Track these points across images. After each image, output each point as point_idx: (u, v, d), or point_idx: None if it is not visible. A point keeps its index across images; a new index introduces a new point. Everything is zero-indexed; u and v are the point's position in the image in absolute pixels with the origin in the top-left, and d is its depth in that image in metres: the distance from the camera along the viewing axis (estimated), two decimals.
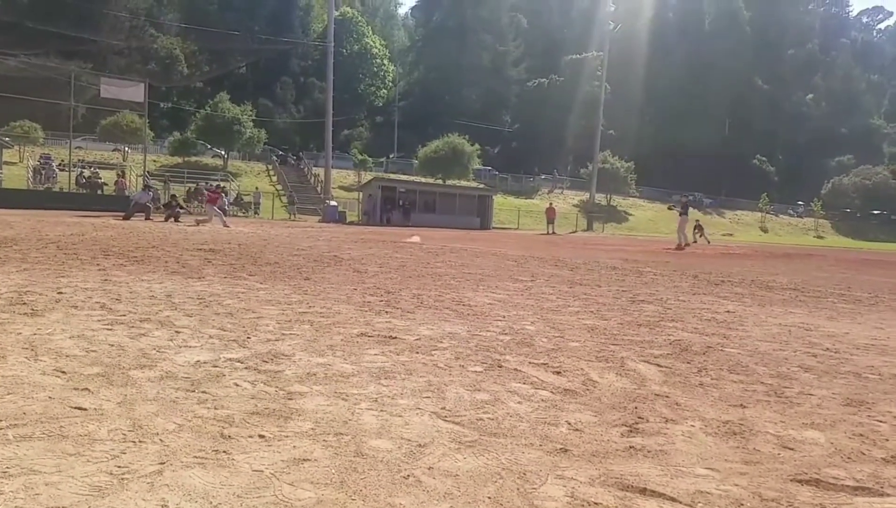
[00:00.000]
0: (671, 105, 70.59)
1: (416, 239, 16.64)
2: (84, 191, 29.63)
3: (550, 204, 37.66)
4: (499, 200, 46.13)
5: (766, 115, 75.26)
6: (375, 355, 2.98)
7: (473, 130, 57.07)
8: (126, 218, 18.61)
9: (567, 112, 63.37)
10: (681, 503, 1.58)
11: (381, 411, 2.15)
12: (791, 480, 1.73)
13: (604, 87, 51.22)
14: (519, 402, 2.34)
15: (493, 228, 38.36)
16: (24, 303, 3.80)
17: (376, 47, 75.92)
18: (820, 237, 56.21)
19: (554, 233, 32.99)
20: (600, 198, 53.93)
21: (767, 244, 30.06)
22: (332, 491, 1.52)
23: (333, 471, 1.63)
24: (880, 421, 2.29)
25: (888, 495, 1.66)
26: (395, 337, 3.40)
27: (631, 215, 56.01)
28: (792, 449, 1.97)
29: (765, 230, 57.87)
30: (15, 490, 1.43)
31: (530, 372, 2.79)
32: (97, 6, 56.71)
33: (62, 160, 32.12)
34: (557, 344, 3.44)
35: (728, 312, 5.05)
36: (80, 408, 2.00)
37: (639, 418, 2.23)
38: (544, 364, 2.95)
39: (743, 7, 76.72)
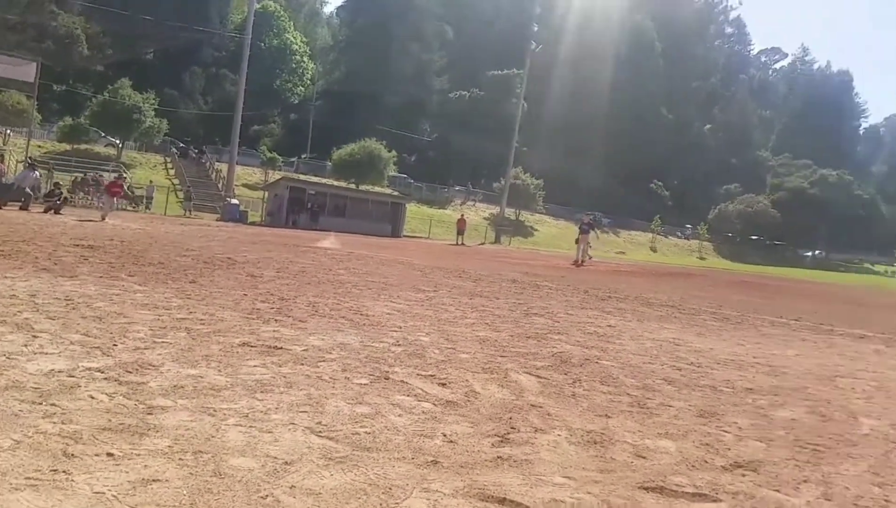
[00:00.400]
0: (582, 126, 74.20)
1: (328, 243, 16.32)
2: None
3: (462, 215, 38.20)
4: (412, 208, 46.22)
5: (668, 142, 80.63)
6: (255, 366, 2.87)
7: (391, 136, 56.88)
8: None
9: (485, 127, 64.78)
10: None
11: (250, 427, 2.06)
12: (639, 488, 1.84)
13: (521, 105, 52.90)
14: (399, 415, 2.33)
15: (405, 236, 38.37)
16: None
17: (297, 44, 74.04)
18: (702, 258, 60.86)
19: (463, 244, 33.47)
20: (510, 212, 55.48)
21: (654, 264, 32.17)
22: None
23: (185, 493, 1.54)
24: (726, 431, 2.50)
25: (721, 500, 1.80)
26: (281, 347, 3.29)
27: (537, 230, 58.02)
28: (644, 458, 2.10)
29: (654, 250, 61.70)
30: None
31: (416, 384, 2.79)
32: None
33: None
34: (448, 356, 3.48)
35: (609, 326, 5.34)
36: None
37: (511, 428, 2.30)
38: (431, 376, 2.97)
39: (656, 38, 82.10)
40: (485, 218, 53.92)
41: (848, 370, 4.24)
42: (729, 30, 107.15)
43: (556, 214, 64.05)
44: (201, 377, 2.60)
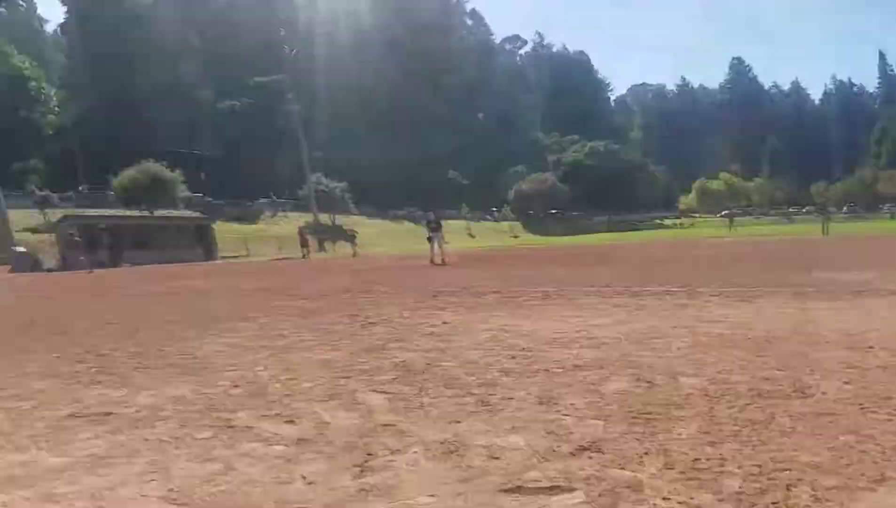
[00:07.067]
0: (372, 126, 76.18)
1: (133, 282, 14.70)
2: None
3: (300, 228, 37.27)
4: (221, 227, 43.46)
5: (449, 133, 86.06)
6: (89, 438, 2.63)
7: (171, 155, 52.58)
8: None
9: (267, 135, 63.07)
10: None
11: None
12: (499, 491, 1.93)
13: (296, 109, 52.35)
14: (251, 464, 2.27)
15: (223, 257, 35.99)
16: None
17: (28, 69, 65.28)
18: (516, 236, 66.11)
19: (307, 257, 32.21)
20: (325, 218, 54.90)
21: (473, 249, 33.79)
22: None
23: None
24: (566, 415, 2.67)
25: (576, 489, 1.91)
26: (111, 412, 3.02)
27: (356, 232, 58.42)
28: (498, 458, 2.20)
29: (472, 236, 65.38)
30: None
31: (263, 427, 2.72)
32: None
33: None
34: (291, 388, 3.41)
35: (445, 323, 5.63)
36: None
37: (368, 455, 2.30)
38: (277, 415, 2.90)
39: (404, 34, 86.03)
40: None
41: (661, 331, 4.63)
42: (469, 21, 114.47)
43: (372, 213, 65.05)
44: (34, 461, 2.37)
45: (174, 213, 44.40)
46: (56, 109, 66.20)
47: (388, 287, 10.33)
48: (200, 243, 35.90)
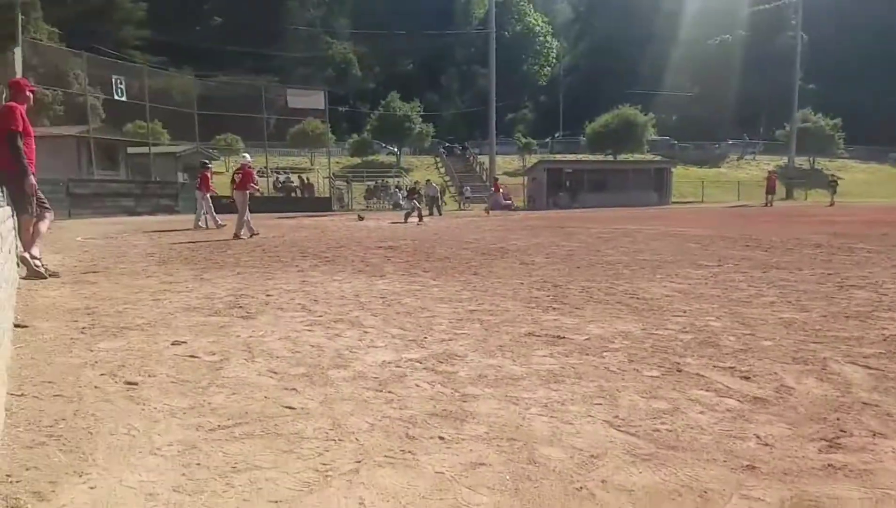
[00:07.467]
0: (879, 48, 60.13)
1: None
2: (280, 194, 33.51)
3: (771, 172, 34.64)
4: (679, 171, 42.99)
5: None
6: (544, 356, 3.01)
7: (646, 98, 53.89)
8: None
9: (756, 69, 56.88)
10: None
11: (552, 417, 2.18)
12: None
13: (799, 36, 45.05)
14: (701, 412, 2.21)
15: (673, 203, 35.93)
16: (240, 306, 4.42)
17: (538, 25, 74.83)
18: None
19: (770, 204, 29.89)
20: (801, 162, 47.68)
21: None
22: (507, 498, 1.59)
23: (508, 478, 1.70)
24: None
25: None
26: (564, 337, 3.39)
27: (839, 178, 48.92)
28: None
29: None
30: (242, 485, 1.67)
31: (714, 377, 2.61)
32: (279, 23, 63.55)
33: (260, 167, 36.45)
34: (747, 343, 3.17)
35: None
36: (289, 407, 2.30)
37: (841, 431, 2.00)
38: (731, 368, 2.74)
39: None
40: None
41: None
42: None
43: (864, 156, 52.90)
44: (500, 366, 2.83)
45: (636, 157, 46.27)
46: (553, 61, 75.55)
47: (873, 244, 8.43)
48: (656, 188, 36.46)
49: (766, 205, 29.75)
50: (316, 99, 33.43)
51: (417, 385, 2.55)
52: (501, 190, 29.34)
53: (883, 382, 2.49)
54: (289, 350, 3.14)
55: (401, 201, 32.94)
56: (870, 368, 2.68)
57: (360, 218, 20.81)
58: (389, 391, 2.47)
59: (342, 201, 34.02)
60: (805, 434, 1.98)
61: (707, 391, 2.45)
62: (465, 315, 4.02)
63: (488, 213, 24.52)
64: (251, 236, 11.72)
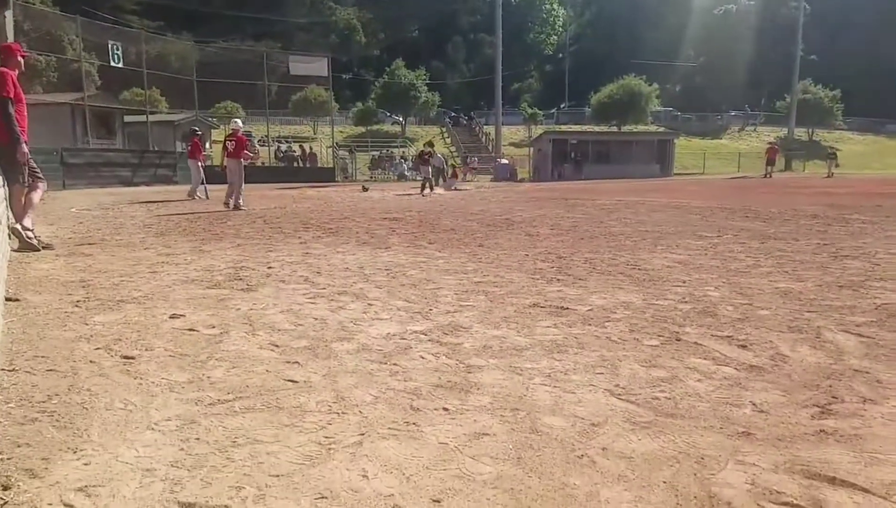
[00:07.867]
0: (878, 18, 58.85)
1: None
2: (282, 164, 33.16)
3: (772, 143, 34.45)
4: (681, 143, 42.63)
5: None
6: (547, 327, 3.06)
7: (651, 69, 52.97)
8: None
9: (759, 40, 55.88)
10: (874, 494, 1.46)
11: (555, 387, 2.23)
12: None
13: (802, 7, 44.19)
14: (699, 380, 2.27)
15: (675, 174, 35.71)
16: (241, 279, 4.38)
17: None
18: None
19: (769, 176, 29.85)
20: (800, 133, 47.24)
21: None
22: (509, 467, 1.64)
23: (511, 447, 1.76)
24: None
25: None
26: (567, 308, 3.44)
27: (837, 150, 48.60)
28: None
29: None
30: (243, 459, 1.66)
31: (712, 346, 2.67)
32: None
33: (261, 136, 36.07)
34: (744, 313, 3.23)
35: None
36: (291, 381, 2.30)
37: (833, 398, 2.06)
38: (728, 337, 2.80)
39: None
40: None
41: None
42: None
43: (861, 127, 52.41)
44: (504, 337, 2.88)
45: (639, 128, 45.79)
46: (560, 29, 74.09)
47: (867, 215, 8.44)
48: (659, 159, 36.20)
49: (765, 176, 29.81)
50: (319, 66, 32.85)
51: (422, 357, 2.60)
52: (506, 161, 28.85)
53: (874, 349, 2.55)
54: (291, 323, 3.14)
55: (406, 173, 32.82)
56: (861, 336, 2.74)
57: (365, 189, 20.71)
58: (394, 364, 2.51)
59: (346, 171, 33.78)
60: (798, 401, 2.04)
61: (705, 359, 2.51)
62: (471, 287, 4.06)
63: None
64: (232, 209, 11.02)
